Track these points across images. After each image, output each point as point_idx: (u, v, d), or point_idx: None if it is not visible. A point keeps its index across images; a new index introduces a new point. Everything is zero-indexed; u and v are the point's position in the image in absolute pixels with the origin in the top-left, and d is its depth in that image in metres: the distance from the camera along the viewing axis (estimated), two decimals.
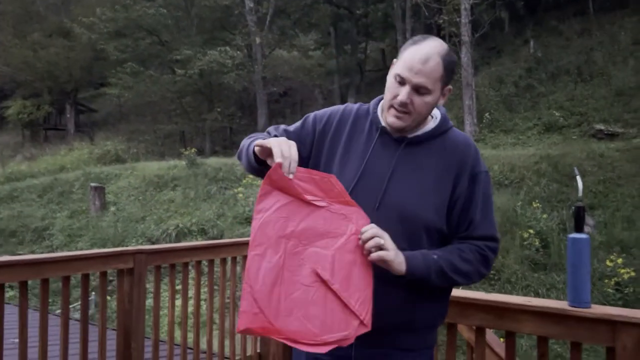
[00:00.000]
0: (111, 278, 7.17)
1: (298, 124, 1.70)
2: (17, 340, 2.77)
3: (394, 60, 1.60)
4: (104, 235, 13.39)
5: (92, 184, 15.51)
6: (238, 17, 23.81)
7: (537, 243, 9.50)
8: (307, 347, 1.35)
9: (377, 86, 23.70)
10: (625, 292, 8.61)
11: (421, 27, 22.94)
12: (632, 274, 8.70)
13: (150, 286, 5.70)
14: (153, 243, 11.98)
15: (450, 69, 1.53)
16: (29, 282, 2.80)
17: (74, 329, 3.09)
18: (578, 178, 1.88)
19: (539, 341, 1.86)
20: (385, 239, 1.40)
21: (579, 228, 1.78)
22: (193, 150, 17.19)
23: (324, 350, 1.35)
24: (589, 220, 10.38)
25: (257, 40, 22.04)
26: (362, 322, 1.38)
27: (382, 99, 1.64)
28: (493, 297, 1.95)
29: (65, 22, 27.70)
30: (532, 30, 19.93)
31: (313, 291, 1.37)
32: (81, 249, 12.21)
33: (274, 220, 1.39)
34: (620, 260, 8.98)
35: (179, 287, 4.14)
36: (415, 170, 1.54)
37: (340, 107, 1.71)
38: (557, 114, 14.99)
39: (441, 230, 1.53)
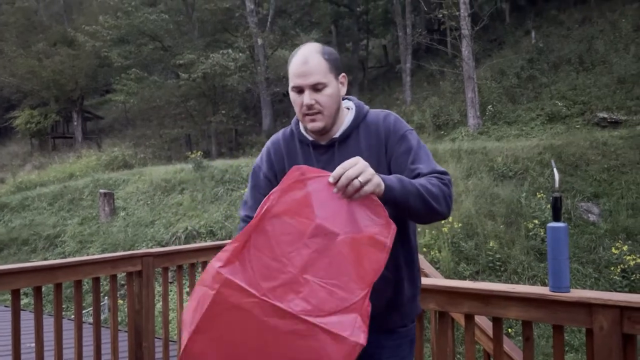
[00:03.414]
0: (122, 282, 7.32)
1: (251, 191, 1.78)
2: (33, 345, 2.91)
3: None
4: (114, 240, 13.58)
5: (101, 190, 15.71)
6: (239, 19, 23.94)
7: (542, 233, 9.55)
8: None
9: (379, 82, 23.76)
10: (632, 278, 8.67)
11: (421, 21, 22.98)
12: (638, 260, 8.76)
13: (159, 288, 5.83)
14: (163, 246, 12.13)
15: (332, 59, 1.63)
16: (43, 289, 2.93)
17: (87, 332, 3.22)
18: (555, 170, 1.97)
19: (523, 325, 1.96)
20: (355, 168, 1.37)
21: (556, 217, 1.88)
22: (199, 153, 17.35)
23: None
24: (593, 208, 10.42)
25: (259, 41, 22.16)
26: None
27: (296, 118, 1.74)
28: (480, 285, 2.05)
29: (68, 30, 28.00)
30: (533, 21, 19.90)
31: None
32: (92, 255, 12.39)
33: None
34: (625, 248, 9.03)
35: (187, 289, 4.25)
36: None
37: (268, 144, 1.80)
38: (559, 103, 15.00)
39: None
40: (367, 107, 1.75)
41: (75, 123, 29.66)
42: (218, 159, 19.12)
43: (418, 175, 1.56)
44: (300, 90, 1.60)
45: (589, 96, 14.88)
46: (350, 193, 1.37)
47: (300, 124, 1.73)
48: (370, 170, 1.39)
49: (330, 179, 1.39)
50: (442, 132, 16.53)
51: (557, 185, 1.98)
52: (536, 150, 12.04)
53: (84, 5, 31.12)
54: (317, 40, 25.81)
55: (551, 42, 18.05)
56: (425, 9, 18.55)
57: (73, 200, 16.87)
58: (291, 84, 1.62)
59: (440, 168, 1.61)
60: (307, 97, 1.59)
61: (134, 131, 28.00)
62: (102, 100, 32.20)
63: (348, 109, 1.73)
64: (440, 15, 16.99)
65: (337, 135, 1.67)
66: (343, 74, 1.68)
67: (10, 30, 30.50)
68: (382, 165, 1.63)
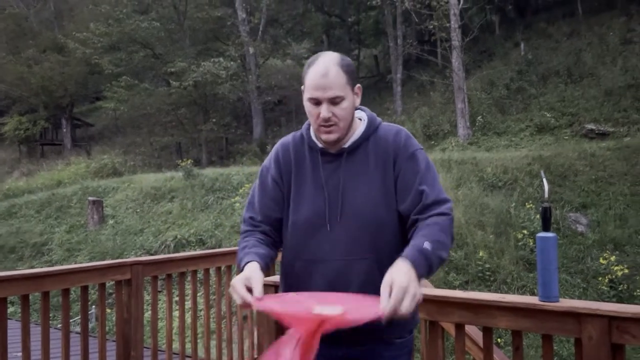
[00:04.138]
0: (110, 291, 7.26)
1: (259, 192, 1.78)
2: (19, 354, 2.87)
3: (302, 87, 1.69)
4: (102, 248, 13.47)
5: (90, 198, 15.59)
6: (231, 27, 24.00)
7: (531, 243, 9.61)
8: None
9: (371, 92, 23.85)
10: (619, 289, 8.73)
11: (412, 32, 23.16)
12: (626, 271, 8.82)
13: (148, 297, 5.79)
14: (152, 255, 12.04)
15: (350, 71, 1.64)
16: (29, 297, 2.90)
17: (75, 341, 3.18)
18: (544, 181, 1.99)
19: (513, 335, 1.96)
20: (410, 302, 1.34)
21: (546, 227, 1.90)
22: (190, 161, 17.29)
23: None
24: (581, 219, 10.50)
25: (251, 50, 22.21)
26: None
27: (307, 124, 1.75)
28: (470, 294, 2.06)
29: (59, 37, 27.87)
30: (522, 33, 20.15)
31: None
32: (80, 263, 12.27)
33: None
34: (613, 258, 9.10)
35: (176, 299, 4.22)
36: (360, 175, 1.67)
37: (277, 147, 1.81)
38: (548, 115, 15.15)
39: (394, 223, 1.65)
40: (379, 119, 1.77)
41: (64, 130, 29.48)
42: (208, 168, 19.07)
43: (422, 197, 1.60)
44: (317, 102, 1.61)
45: (577, 108, 15.04)
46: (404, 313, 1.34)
47: (311, 129, 1.74)
48: (415, 291, 1.35)
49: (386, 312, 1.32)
50: (433, 142, 16.61)
51: (546, 195, 1.99)
52: (525, 161, 12.14)
53: (74, 12, 31.04)
54: (309, 50, 25.96)
55: (540, 54, 18.26)
56: (416, 20, 18.71)
57: (61, 208, 16.73)
58: (308, 94, 1.62)
59: (444, 195, 1.64)
60: (325, 111, 1.60)
61: (124, 139, 27.88)
62: (92, 107, 32.05)
63: (360, 119, 1.74)
64: (431, 27, 17.14)
65: (346, 145, 1.69)
66: (358, 85, 1.69)
67: (0, 36, 30.34)
68: (388, 181, 1.66)
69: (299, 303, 1.49)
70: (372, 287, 1.54)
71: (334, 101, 1.60)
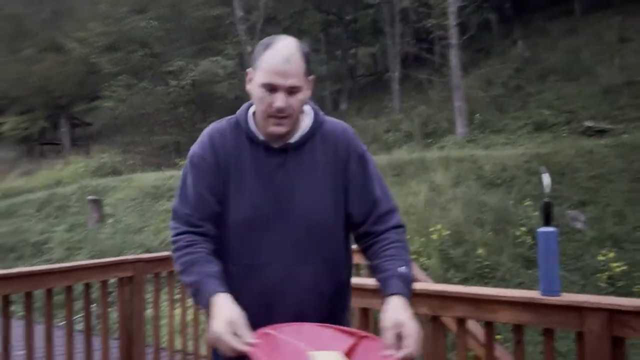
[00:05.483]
0: (111, 289, 7.27)
1: (194, 179, 1.57)
2: (22, 352, 2.89)
3: (248, 70, 1.54)
4: (102, 247, 13.46)
5: (90, 197, 15.58)
6: (228, 26, 23.96)
7: (529, 240, 9.63)
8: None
9: (368, 91, 23.86)
10: (618, 285, 8.74)
11: (410, 31, 23.15)
12: (624, 267, 8.84)
13: (150, 295, 5.79)
14: (152, 253, 12.05)
15: (307, 60, 1.51)
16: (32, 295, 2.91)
17: (77, 339, 3.20)
18: (544, 176, 2.02)
19: (514, 329, 1.99)
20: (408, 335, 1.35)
21: (547, 222, 1.92)
22: None
23: None
24: (580, 216, 10.53)
25: (249, 48, 22.16)
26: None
27: (247, 110, 1.60)
28: (471, 289, 2.09)
29: (57, 37, 27.81)
30: (519, 31, 20.15)
31: None
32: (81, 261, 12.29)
33: None
34: (612, 255, 9.11)
35: (178, 296, 4.24)
36: (308, 173, 1.54)
37: (211, 132, 1.61)
38: (546, 112, 15.17)
39: (340, 228, 1.59)
40: (321, 113, 1.63)
41: (63, 129, 29.43)
42: None
43: (374, 205, 1.56)
44: (273, 89, 1.45)
45: (575, 105, 15.07)
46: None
47: (249, 119, 1.58)
48: (410, 323, 1.37)
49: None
50: (431, 140, 16.63)
51: (547, 190, 2.02)
52: (523, 159, 12.16)
53: (73, 12, 30.97)
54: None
55: (538, 53, 18.28)
56: (414, 18, 18.72)
57: (61, 207, 16.72)
58: (263, 79, 1.46)
59: (393, 202, 1.62)
60: (281, 100, 1.45)
61: (122, 138, 27.83)
62: (91, 106, 31.91)
63: (303, 111, 1.59)
64: (429, 25, 17.14)
65: (292, 140, 1.55)
66: (312, 76, 1.56)
67: None
68: (338, 183, 1.56)
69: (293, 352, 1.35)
70: (314, 296, 1.53)
71: (292, 90, 1.45)
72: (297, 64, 1.46)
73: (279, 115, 1.46)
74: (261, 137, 1.55)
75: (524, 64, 17.98)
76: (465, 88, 16.18)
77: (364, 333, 1.44)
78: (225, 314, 1.34)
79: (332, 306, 1.58)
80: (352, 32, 25.67)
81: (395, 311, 1.38)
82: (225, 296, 1.39)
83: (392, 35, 21.11)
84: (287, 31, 25.48)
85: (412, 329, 1.34)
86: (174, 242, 1.54)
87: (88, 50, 24.09)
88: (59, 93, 27.98)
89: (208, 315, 1.42)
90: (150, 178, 17.10)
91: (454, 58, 15.84)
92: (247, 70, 1.54)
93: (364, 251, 1.62)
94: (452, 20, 15.76)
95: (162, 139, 24.64)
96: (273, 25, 25.19)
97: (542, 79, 17.09)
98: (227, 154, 1.54)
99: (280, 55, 1.44)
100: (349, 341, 1.39)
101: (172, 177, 16.54)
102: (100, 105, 26.91)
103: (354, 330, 1.45)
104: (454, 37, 15.80)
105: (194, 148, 1.60)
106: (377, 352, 1.33)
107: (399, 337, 1.34)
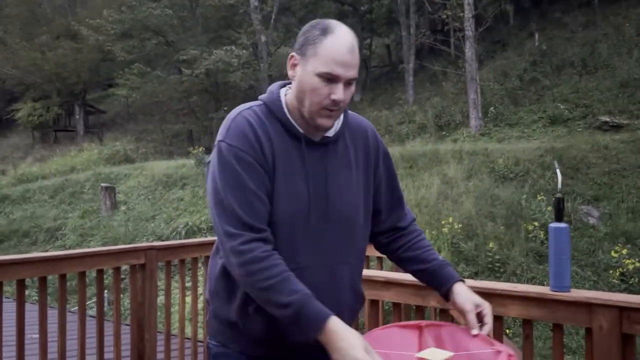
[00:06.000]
0: (123, 276, 7.36)
1: (248, 180, 1.36)
2: (36, 336, 2.94)
3: (294, 55, 1.40)
4: (115, 234, 13.61)
5: (103, 184, 15.75)
6: (243, 15, 23.94)
7: (542, 235, 9.58)
8: None
9: (382, 82, 23.77)
10: (631, 282, 8.70)
11: (425, 22, 23.00)
12: (637, 264, 8.78)
13: (161, 283, 5.86)
14: (163, 241, 12.17)
15: None
16: (46, 279, 2.96)
17: (90, 324, 3.24)
18: (558, 172, 2.00)
19: (524, 324, 1.99)
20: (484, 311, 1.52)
21: (559, 218, 1.91)
22: (201, 149, 17.37)
23: None
24: (593, 211, 10.45)
25: (263, 38, 22.16)
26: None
27: (279, 97, 1.46)
28: (482, 283, 2.08)
29: (72, 24, 27.96)
30: (536, 23, 19.90)
31: None
32: (94, 247, 12.44)
33: None
34: (625, 251, 9.05)
35: (189, 284, 4.28)
36: (343, 169, 1.48)
37: (250, 123, 1.41)
38: (562, 106, 15.01)
39: (368, 227, 1.58)
40: None
41: (77, 116, 29.68)
42: None
43: (399, 201, 1.64)
44: (332, 80, 1.34)
45: (592, 99, 14.89)
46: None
47: (286, 109, 1.45)
48: (491, 310, 1.55)
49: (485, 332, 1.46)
50: (444, 132, 16.54)
51: (560, 186, 2.00)
52: (537, 153, 12.06)
53: None
54: None
55: (554, 45, 18.05)
56: (430, 9, 18.56)
57: (74, 194, 16.91)
58: (324, 68, 1.33)
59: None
60: (341, 92, 1.35)
61: (135, 126, 28.03)
62: (105, 94, 32.19)
63: None
64: (444, 16, 16.99)
65: (330, 134, 1.47)
66: None
67: (14, 22, 30.49)
68: (369, 180, 1.54)
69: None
70: (352, 295, 1.55)
71: (349, 82, 1.36)
72: (357, 56, 1.37)
73: (334, 108, 1.37)
74: (301, 130, 1.44)
75: (540, 57, 17.78)
76: (480, 80, 16.05)
77: (425, 322, 1.50)
78: (357, 341, 1.23)
79: (362, 303, 1.64)
80: (367, 22, 25.53)
81: (470, 294, 1.52)
82: (339, 319, 1.28)
83: (407, 26, 20.97)
84: (302, 21, 25.44)
85: (489, 308, 1.49)
86: (243, 252, 1.32)
87: (102, 37, 24.21)
88: (73, 80, 28.20)
89: (313, 337, 1.28)
90: (162, 166, 17.22)
91: (470, 50, 15.70)
92: (292, 54, 1.41)
93: (385, 245, 1.66)
94: (468, 12, 15.61)
95: (174, 128, 24.78)
96: (287, 15, 25.14)
97: (558, 72, 16.89)
98: (272, 147, 1.40)
99: (344, 45, 1.33)
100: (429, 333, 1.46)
101: (184, 165, 16.65)
102: (114, 93, 27.09)
103: (413, 322, 1.52)
104: (469, 28, 15.65)
105: (232, 140, 1.40)
106: (462, 333, 1.44)
107: (479, 317, 1.48)
